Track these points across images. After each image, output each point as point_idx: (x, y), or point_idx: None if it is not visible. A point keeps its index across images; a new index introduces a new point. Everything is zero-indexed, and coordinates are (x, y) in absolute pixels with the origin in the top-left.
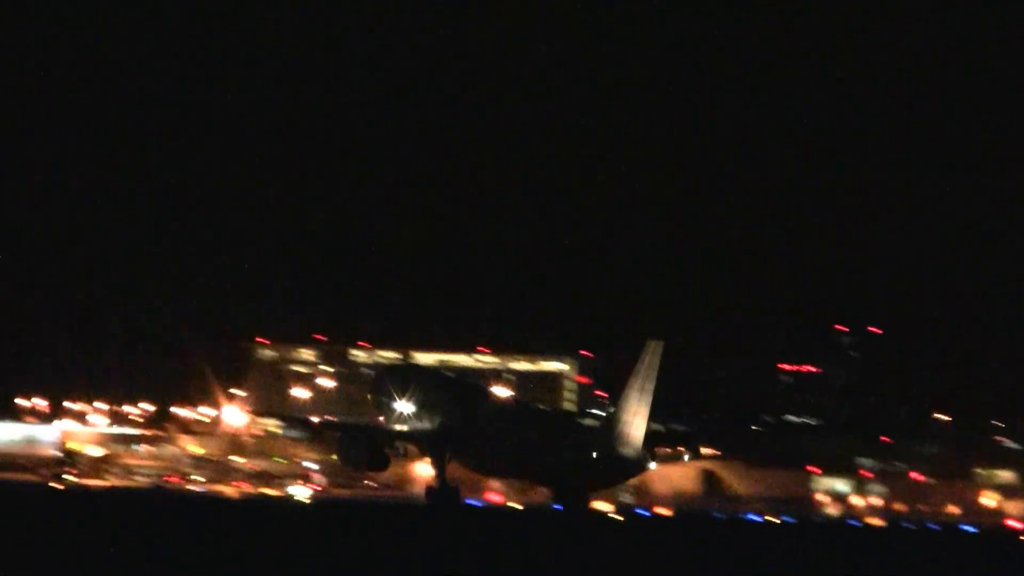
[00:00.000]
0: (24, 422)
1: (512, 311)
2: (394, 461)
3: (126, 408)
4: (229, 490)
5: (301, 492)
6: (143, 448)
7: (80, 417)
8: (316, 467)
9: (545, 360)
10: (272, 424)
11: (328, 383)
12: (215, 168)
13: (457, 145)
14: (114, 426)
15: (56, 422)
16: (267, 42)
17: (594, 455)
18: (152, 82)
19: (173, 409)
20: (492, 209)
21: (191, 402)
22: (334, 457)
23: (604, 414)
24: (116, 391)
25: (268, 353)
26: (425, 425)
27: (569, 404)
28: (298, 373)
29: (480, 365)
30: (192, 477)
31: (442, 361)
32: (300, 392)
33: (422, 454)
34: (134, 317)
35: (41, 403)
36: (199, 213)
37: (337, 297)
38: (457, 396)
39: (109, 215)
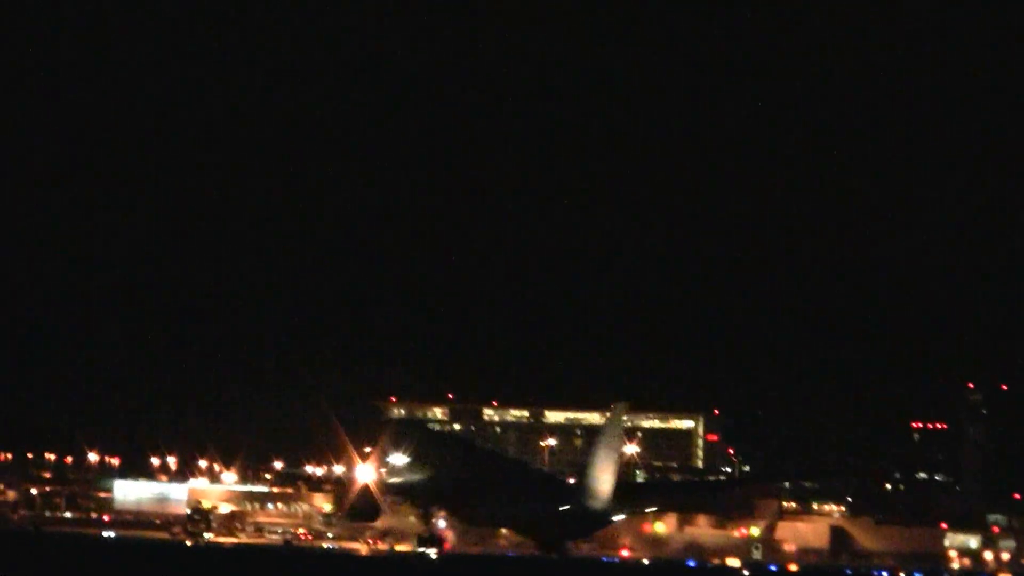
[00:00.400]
0: (156, 480)
1: (644, 368)
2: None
3: (257, 466)
4: (360, 547)
5: (430, 549)
6: (274, 506)
7: (211, 475)
8: (445, 524)
9: (675, 418)
10: None
11: None
12: (351, 225)
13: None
14: (245, 483)
15: (187, 480)
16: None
17: (563, 508)
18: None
19: (305, 467)
20: (619, 265)
21: (322, 459)
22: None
23: (731, 471)
24: (247, 448)
25: (399, 412)
26: (414, 478)
27: (698, 461)
28: None
29: None
30: (323, 534)
31: (571, 419)
32: None
33: (412, 505)
34: (263, 375)
35: (172, 461)
36: (337, 269)
37: (471, 355)
38: (445, 453)
39: (243, 274)
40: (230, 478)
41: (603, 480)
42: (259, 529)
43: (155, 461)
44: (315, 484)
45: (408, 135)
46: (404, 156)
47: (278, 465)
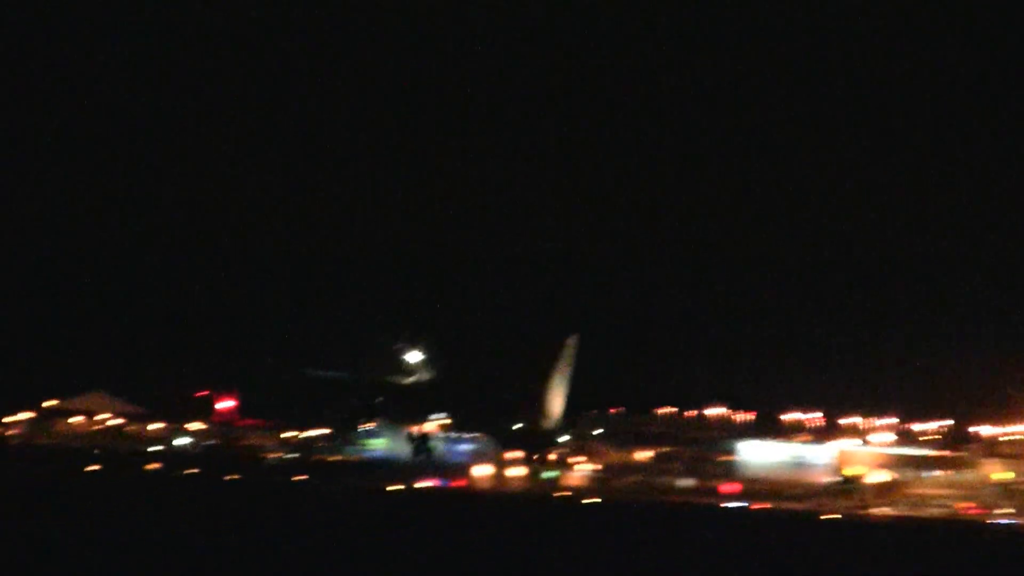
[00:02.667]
0: (793, 441)
1: None
2: None
3: (917, 426)
4: None
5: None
6: (937, 473)
7: (861, 435)
8: None
9: None
10: None
11: None
12: None
13: None
14: (903, 447)
15: (831, 441)
16: None
17: (517, 427)
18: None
19: (974, 428)
20: None
21: (998, 419)
22: None
23: None
24: (905, 404)
25: None
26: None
27: None
28: None
29: None
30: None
31: None
32: None
33: None
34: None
35: (811, 418)
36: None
37: None
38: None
39: None
40: (885, 439)
41: (554, 403)
42: (916, 503)
43: (790, 418)
44: (990, 448)
45: None
46: None
47: (944, 424)
